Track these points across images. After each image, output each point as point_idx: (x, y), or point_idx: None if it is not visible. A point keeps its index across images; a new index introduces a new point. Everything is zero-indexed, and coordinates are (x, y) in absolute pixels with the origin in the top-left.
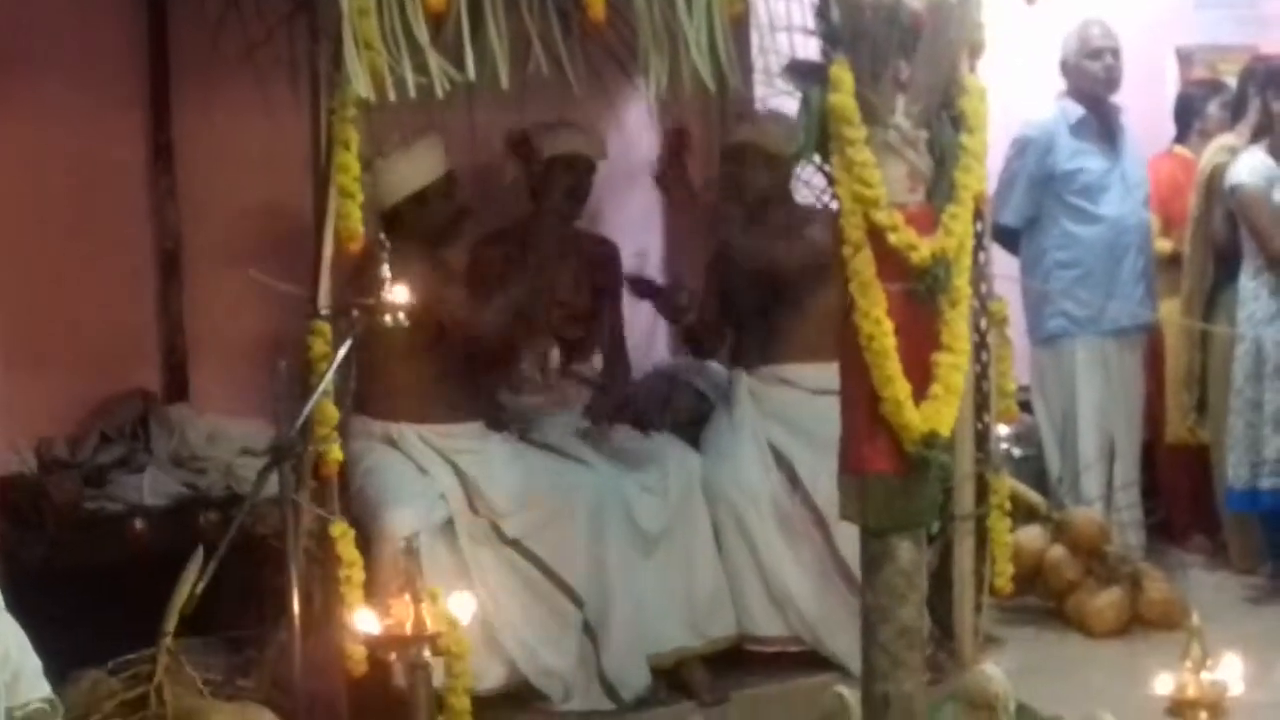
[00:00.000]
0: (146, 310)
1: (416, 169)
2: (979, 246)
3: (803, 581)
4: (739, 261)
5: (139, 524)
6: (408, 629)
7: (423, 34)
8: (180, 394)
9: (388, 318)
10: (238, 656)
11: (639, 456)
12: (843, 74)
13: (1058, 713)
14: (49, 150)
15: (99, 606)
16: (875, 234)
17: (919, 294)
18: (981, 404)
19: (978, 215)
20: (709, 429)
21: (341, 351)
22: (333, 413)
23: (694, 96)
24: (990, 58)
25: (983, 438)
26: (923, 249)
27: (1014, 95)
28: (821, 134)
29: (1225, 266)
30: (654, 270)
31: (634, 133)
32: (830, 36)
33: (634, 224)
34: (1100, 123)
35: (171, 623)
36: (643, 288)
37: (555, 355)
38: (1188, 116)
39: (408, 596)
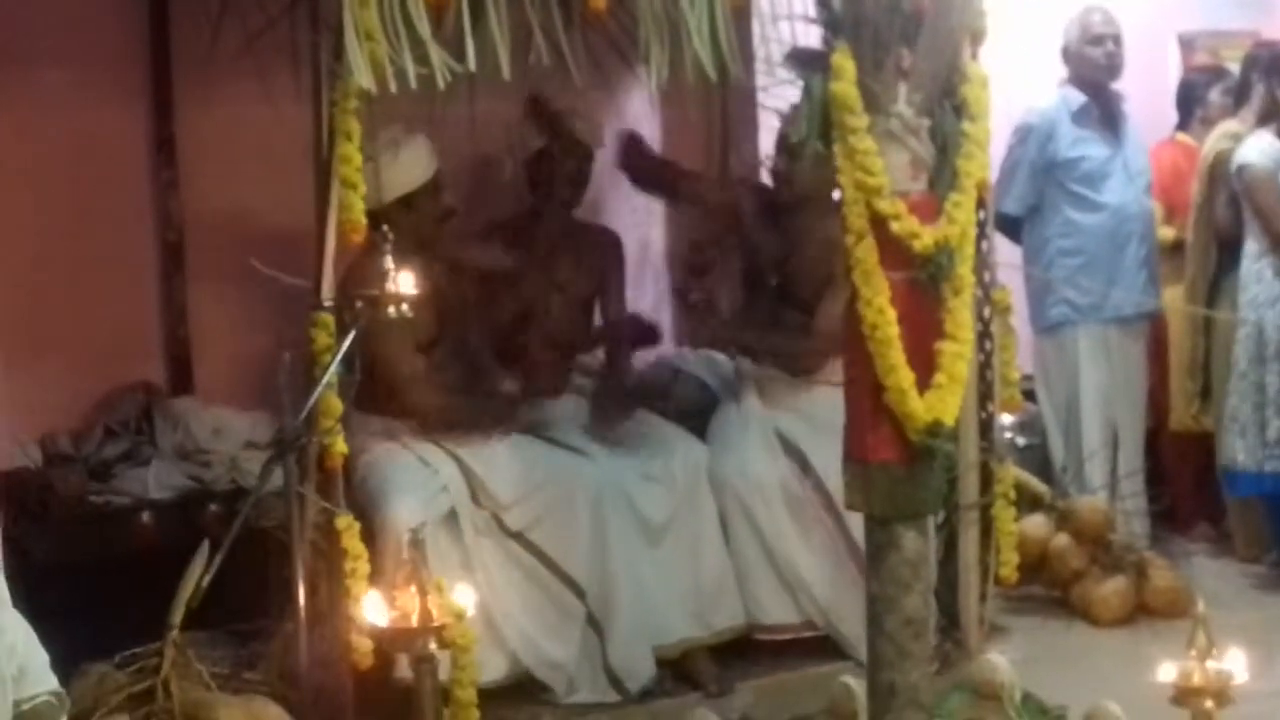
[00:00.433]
0: (150, 303)
1: (404, 173)
2: (981, 235)
3: (815, 566)
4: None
5: (144, 518)
6: (414, 621)
7: (424, 25)
8: (184, 387)
9: (391, 309)
10: (244, 649)
11: (643, 446)
12: (844, 62)
13: (1063, 701)
14: (51, 143)
15: (105, 600)
16: (878, 222)
17: (922, 282)
18: (985, 393)
19: (980, 203)
20: (716, 419)
21: (345, 343)
22: (337, 405)
23: (696, 86)
24: (992, 45)
25: (987, 427)
26: (925, 237)
27: (1016, 82)
28: (824, 122)
29: (1228, 253)
30: (656, 260)
31: (636, 122)
32: (832, 24)
33: (636, 214)
34: (1102, 110)
35: (178, 616)
36: (641, 332)
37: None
38: (1190, 103)
39: (414, 588)
